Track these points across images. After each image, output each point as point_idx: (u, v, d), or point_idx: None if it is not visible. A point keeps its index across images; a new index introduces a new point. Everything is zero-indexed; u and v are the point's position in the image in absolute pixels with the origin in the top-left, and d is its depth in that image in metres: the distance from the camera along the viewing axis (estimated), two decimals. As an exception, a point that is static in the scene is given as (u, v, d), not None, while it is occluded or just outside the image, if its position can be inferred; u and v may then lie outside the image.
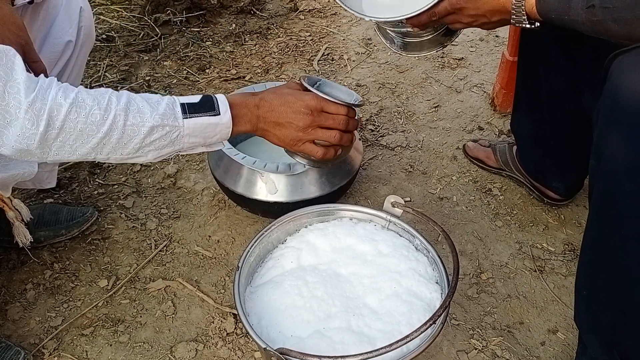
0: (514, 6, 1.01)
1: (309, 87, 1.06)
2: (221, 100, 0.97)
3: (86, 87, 0.89)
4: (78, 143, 0.87)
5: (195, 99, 0.95)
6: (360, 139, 1.52)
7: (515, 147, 1.59)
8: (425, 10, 1.05)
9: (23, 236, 1.32)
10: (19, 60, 0.82)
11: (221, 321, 1.28)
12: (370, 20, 1.12)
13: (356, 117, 1.12)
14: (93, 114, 0.86)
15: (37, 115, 0.82)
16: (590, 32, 0.93)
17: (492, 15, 1.06)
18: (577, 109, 1.31)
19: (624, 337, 0.97)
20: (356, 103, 1.11)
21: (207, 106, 0.95)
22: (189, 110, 0.93)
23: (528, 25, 1.04)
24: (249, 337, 1.23)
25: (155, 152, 0.94)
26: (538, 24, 1.04)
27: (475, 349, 1.22)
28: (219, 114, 0.95)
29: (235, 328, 1.26)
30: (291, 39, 2.35)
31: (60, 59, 1.26)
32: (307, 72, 2.15)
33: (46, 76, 0.88)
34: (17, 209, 1.32)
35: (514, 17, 1.03)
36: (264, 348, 0.86)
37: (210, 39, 2.34)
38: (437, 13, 1.07)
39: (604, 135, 0.88)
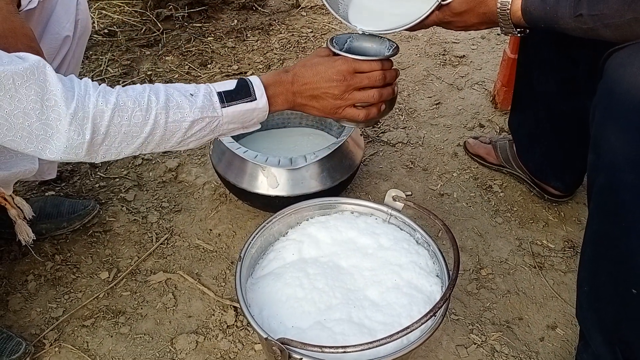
0: (500, 18, 1.02)
1: (336, 51, 1.03)
2: (256, 84, 0.96)
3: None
4: (123, 145, 0.88)
5: (231, 85, 0.95)
6: (361, 134, 1.52)
7: (515, 144, 1.60)
8: (415, 24, 1.06)
9: (26, 234, 1.31)
10: (50, 71, 0.81)
11: (222, 314, 1.28)
12: (363, 32, 1.10)
13: (393, 67, 1.07)
14: (135, 116, 0.86)
15: (81, 125, 0.82)
16: (583, 37, 0.94)
17: (480, 26, 1.08)
18: (573, 109, 1.32)
19: (627, 332, 0.97)
20: (389, 53, 1.06)
21: (243, 92, 0.95)
22: (226, 98, 0.93)
23: (518, 34, 1.05)
24: (249, 328, 1.24)
25: (196, 142, 0.95)
26: (528, 31, 1.05)
27: (475, 343, 1.23)
28: (256, 99, 0.95)
29: (235, 321, 1.27)
30: (293, 35, 2.35)
31: (59, 54, 1.25)
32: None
33: None
34: (19, 207, 1.31)
35: (502, 27, 1.04)
36: (266, 338, 0.86)
37: (212, 35, 2.35)
38: (427, 24, 1.09)
39: (602, 129, 0.89)
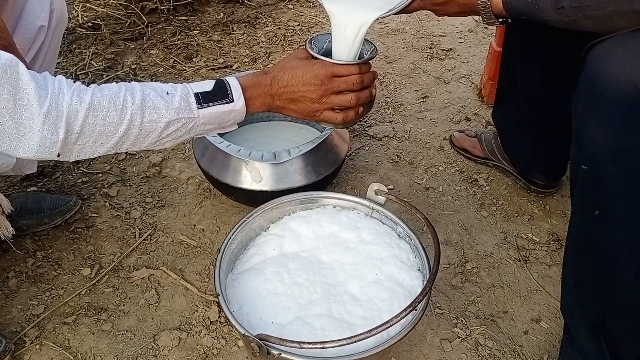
0: (481, 9, 1.01)
1: (314, 54, 1.02)
2: (234, 85, 0.96)
3: (72, 76, 0.87)
4: (98, 144, 0.87)
5: (208, 86, 0.95)
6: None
7: (500, 136, 1.60)
8: (397, 12, 1.05)
9: (4, 229, 1.30)
10: (23, 69, 0.80)
11: (205, 310, 1.27)
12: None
13: (371, 70, 1.06)
14: (110, 116, 0.85)
15: (55, 124, 0.81)
16: (564, 28, 0.94)
17: (462, 14, 1.07)
18: (556, 101, 1.32)
19: (612, 326, 0.97)
20: (367, 56, 1.05)
21: (220, 94, 0.94)
22: (203, 100, 0.93)
23: (500, 24, 1.04)
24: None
25: (172, 142, 0.95)
26: (510, 21, 1.04)
27: (459, 337, 1.22)
28: (233, 101, 0.95)
29: (219, 317, 1.25)
30: (279, 28, 2.33)
31: (34, 45, 1.23)
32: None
33: None
34: (-4, 202, 1.30)
35: (484, 18, 1.04)
36: (243, 334, 0.85)
37: (198, 28, 2.32)
38: (409, 11, 1.08)
39: (584, 121, 0.89)
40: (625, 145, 0.85)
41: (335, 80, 1.00)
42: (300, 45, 2.21)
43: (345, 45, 1.03)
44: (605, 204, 0.89)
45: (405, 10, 1.06)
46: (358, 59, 1.04)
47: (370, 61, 1.06)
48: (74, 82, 0.87)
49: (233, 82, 0.96)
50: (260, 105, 1.00)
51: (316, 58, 1.02)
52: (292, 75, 0.99)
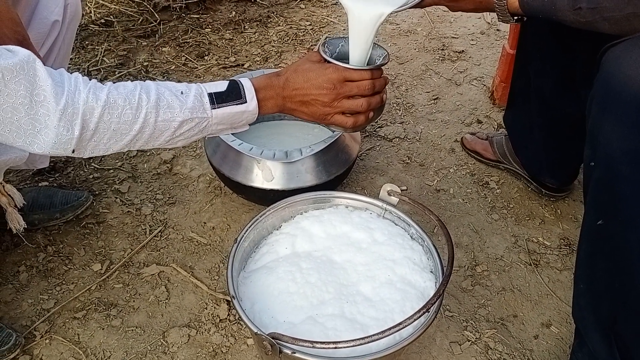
0: (496, 7, 1.02)
1: (327, 58, 1.03)
2: (247, 86, 0.97)
3: (84, 72, 0.88)
4: (112, 142, 0.89)
5: (222, 86, 0.96)
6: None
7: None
8: (412, 6, 1.05)
9: (16, 222, 1.31)
10: (40, 66, 0.81)
11: (214, 307, 1.27)
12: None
13: (383, 76, 1.07)
14: (125, 114, 0.87)
15: (70, 121, 0.83)
16: (580, 29, 0.93)
17: (477, 11, 1.08)
18: (567, 104, 1.32)
19: (623, 327, 0.96)
20: (379, 62, 1.06)
21: (233, 95, 0.95)
22: (217, 100, 0.94)
23: (515, 22, 1.05)
24: (242, 323, 1.23)
25: (184, 141, 0.96)
26: (525, 18, 1.04)
27: (469, 340, 1.22)
28: (246, 102, 0.96)
29: (228, 314, 1.26)
30: (291, 27, 2.33)
31: (47, 39, 1.24)
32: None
33: None
34: (9, 195, 1.30)
35: (499, 16, 1.05)
36: (256, 332, 0.85)
37: (210, 26, 2.33)
38: (424, 6, 1.08)
39: (599, 122, 0.88)
40: None
41: (347, 84, 1.01)
42: (312, 46, 2.21)
43: (361, 41, 1.03)
44: (619, 205, 0.88)
45: (420, 4, 1.06)
46: (370, 65, 1.05)
47: (382, 66, 1.06)
48: (90, 79, 0.88)
49: (246, 83, 0.97)
50: (272, 107, 1.02)
51: (329, 62, 1.03)
52: (305, 78, 1.00)
